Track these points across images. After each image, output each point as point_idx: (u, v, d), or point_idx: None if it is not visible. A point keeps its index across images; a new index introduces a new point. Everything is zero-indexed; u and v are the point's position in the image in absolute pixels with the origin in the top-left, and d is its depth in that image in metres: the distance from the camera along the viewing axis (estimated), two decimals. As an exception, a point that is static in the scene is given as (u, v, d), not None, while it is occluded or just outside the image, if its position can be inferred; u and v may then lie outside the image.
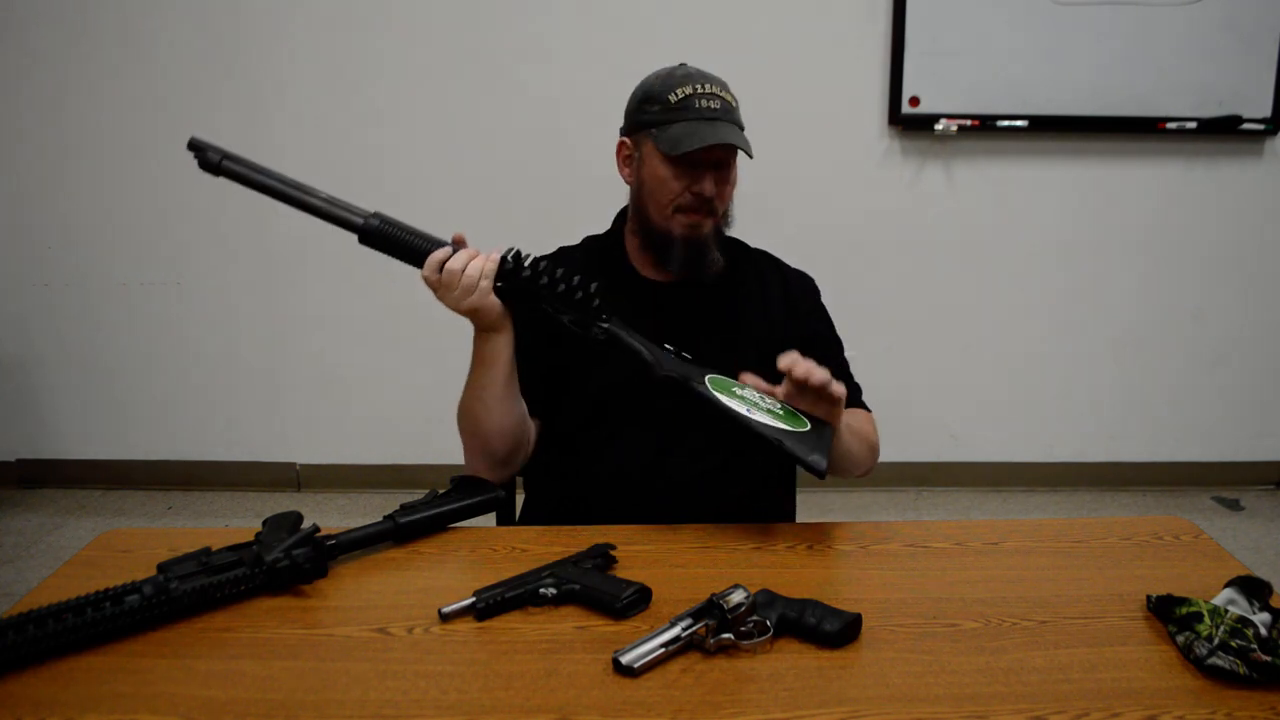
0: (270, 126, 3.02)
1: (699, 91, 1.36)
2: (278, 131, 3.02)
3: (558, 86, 2.98)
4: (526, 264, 1.30)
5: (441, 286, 1.27)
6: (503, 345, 1.33)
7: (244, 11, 2.96)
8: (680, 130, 1.34)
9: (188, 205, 3.10)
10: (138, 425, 3.30)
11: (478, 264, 1.27)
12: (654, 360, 1.31)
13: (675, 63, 1.44)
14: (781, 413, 1.28)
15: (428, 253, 1.28)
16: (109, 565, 1.17)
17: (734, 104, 1.39)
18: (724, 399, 1.27)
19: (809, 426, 1.27)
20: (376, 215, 1.29)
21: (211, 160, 1.25)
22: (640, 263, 1.48)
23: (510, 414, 1.38)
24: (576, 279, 1.31)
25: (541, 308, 1.32)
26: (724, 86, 1.40)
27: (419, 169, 3.06)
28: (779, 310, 1.49)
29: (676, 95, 1.36)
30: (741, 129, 1.40)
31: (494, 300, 1.29)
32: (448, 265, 1.27)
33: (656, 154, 1.37)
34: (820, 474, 1.24)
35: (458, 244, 1.30)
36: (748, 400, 1.28)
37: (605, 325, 1.32)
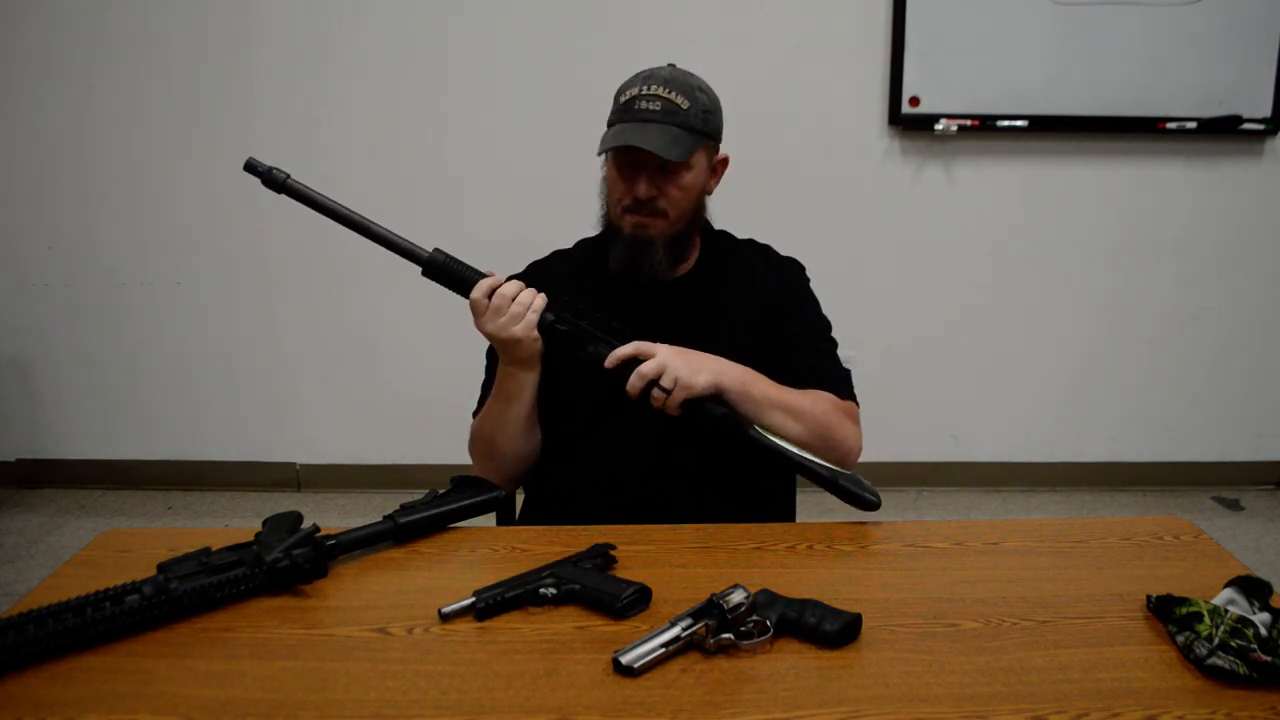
0: (270, 127, 3.02)
1: (642, 93, 1.36)
2: (276, 132, 3.02)
3: (555, 86, 2.98)
4: (573, 306, 1.35)
5: (490, 310, 1.31)
6: (532, 382, 1.37)
7: (248, 13, 2.96)
8: (613, 131, 1.36)
9: (187, 205, 3.10)
10: (138, 425, 3.30)
11: (529, 294, 1.32)
12: (710, 410, 1.32)
13: (665, 63, 1.43)
14: (821, 459, 1.34)
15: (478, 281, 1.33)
16: (109, 565, 1.17)
17: (682, 106, 1.35)
18: (773, 439, 1.32)
19: (849, 471, 1.35)
20: (439, 250, 1.34)
21: (278, 178, 1.30)
22: (611, 259, 1.47)
23: (529, 442, 1.42)
24: (629, 331, 1.34)
25: (597, 351, 1.33)
26: (684, 89, 1.36)
27: (416, 170, 3.06)
28: (764, 299, 1.49)
29: (625, 96, 1.38)
30: (699, 132, 1.36)
31: (536, 333, 1.32)
32: (500, 290, 1.31)
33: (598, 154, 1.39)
34: (875, 507, 1.31)
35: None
36: (791, 446, 1.34)
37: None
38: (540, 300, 1.32)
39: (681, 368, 1.29)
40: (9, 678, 0.93)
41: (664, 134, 1.33)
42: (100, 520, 3.10)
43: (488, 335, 1.33)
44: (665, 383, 1.28)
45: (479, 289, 1.31)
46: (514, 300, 1.30)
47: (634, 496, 1.40)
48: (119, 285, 3.18)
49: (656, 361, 1.29)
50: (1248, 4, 2.86)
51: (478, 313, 1.32)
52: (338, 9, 2.96)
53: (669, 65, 1.42)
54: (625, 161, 1.37)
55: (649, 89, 1.36)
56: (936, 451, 3.27)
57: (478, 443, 1.44)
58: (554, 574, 1.10)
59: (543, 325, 1.33)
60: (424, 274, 1.34)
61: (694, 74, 1.42)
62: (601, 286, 1.45)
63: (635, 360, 1.30)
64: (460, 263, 1.34)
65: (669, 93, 1.35)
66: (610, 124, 1.39)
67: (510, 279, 1.36)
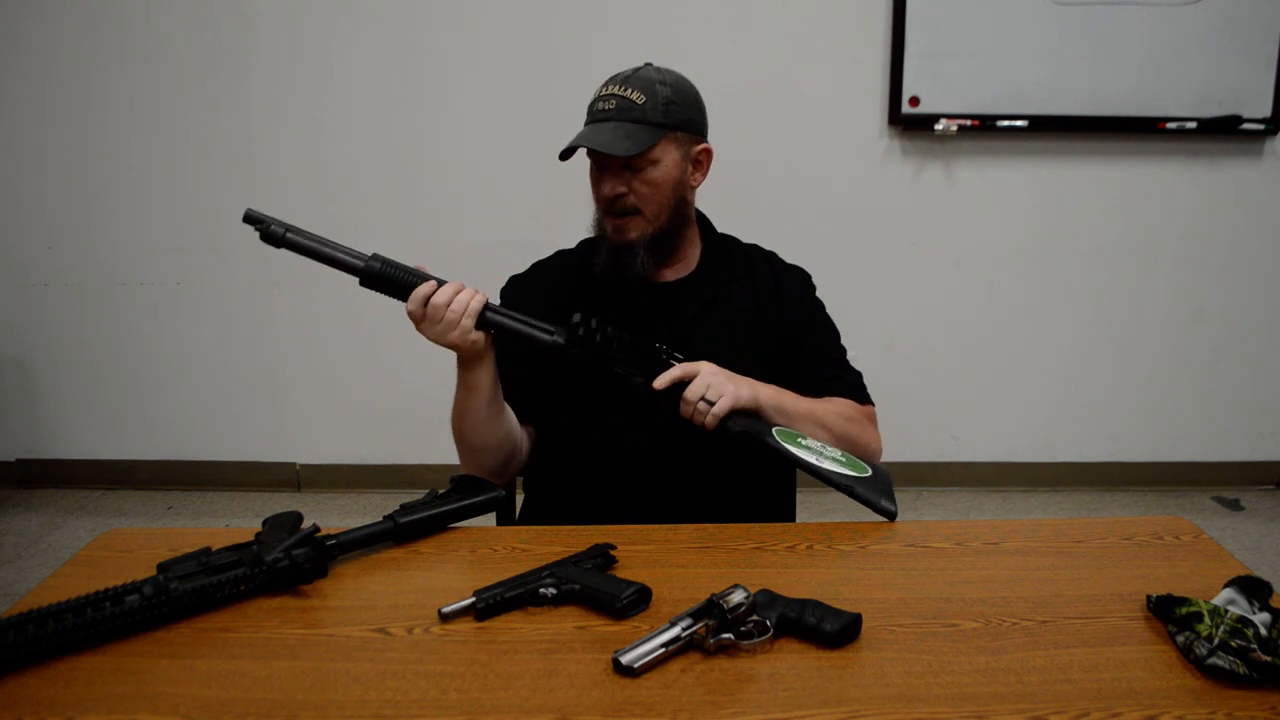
0: (269, 128, 3.02)
1: (600, 94, 1.38)
2: (273, 135, 3.02)
3: (554, 87, 2.97)
4: (595, 328, 1.33)
5: (425, 320, 1.28)
6: (484, 374, 1.35)
7: (247, 14, 2.96)
8: (577, 135, 1.37)
9: (187, 205, 3.10)
10: (138, 425, 3.30)
11: (463, 299, 1.28)
12: (728, 425, 1.31)
13: (643, 62, 1.44)
14: (844, 460, 1.33)
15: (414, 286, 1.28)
16: (109, 565, 1.17)
17: (638, 102, 1.35)
18: (792, 449, 1.31)
19: (870, 472, 1.33)
20: (376, 256, 1.30)
21: (275, 234, 1.26)
22: (595, 262, 1.47)
23: (495, 433, 1.40)
24: (643, 342, 1.34)
25: (613, 370, 1.33)
26: (643, 85, 1.36)
27: (416, 173, 3.06)
28: (770, 304, 1.49)
29: (593, 99, 1.39)
30: (658, 125, 1.35)
31: (475, 336, 1.30)
32: (432, 300, 1.27)
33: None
34: (891, 517, 1.30)
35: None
36: (813, 449, 1.33)
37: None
38: (476, 304, 1.29)
39: (725, 384, 1.30)
40: (9, 678, 0.93)
41: (616, 131, 1.34)
42: (100, 520, 3.10)
43: (430, 340, 1.31)
44: (710, 396, 1.29)
45: (413, 300, 1.28)
46: (448, 308, 1.27)
47: (634, 495, 1.40)
48: (119, 285, 3.18)
49: (701, 381, 1.30)
50: (1248, 4, 2.86)
51: (415, 321, 1.30)
52: (337, 11, 2.96)
53: (646, 64, 1.42)
54: (594, 165, 1.40)
55: (606, 90, 1.38)
56: (936, 451, 3.27)
57: (454, 435, 1.44)
58: (554, 574, 1.10)
59: (572, 357, 1.32)
60: (361, 284, 1.30)
61: (671, 71, 1.41)
62: (602, 288, 1.45)
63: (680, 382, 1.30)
64: (400, 269, 1.29)
65: (625, 90, 1.36)
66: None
67: (449, 283, 1.30)
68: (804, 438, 1.34)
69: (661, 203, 1.39)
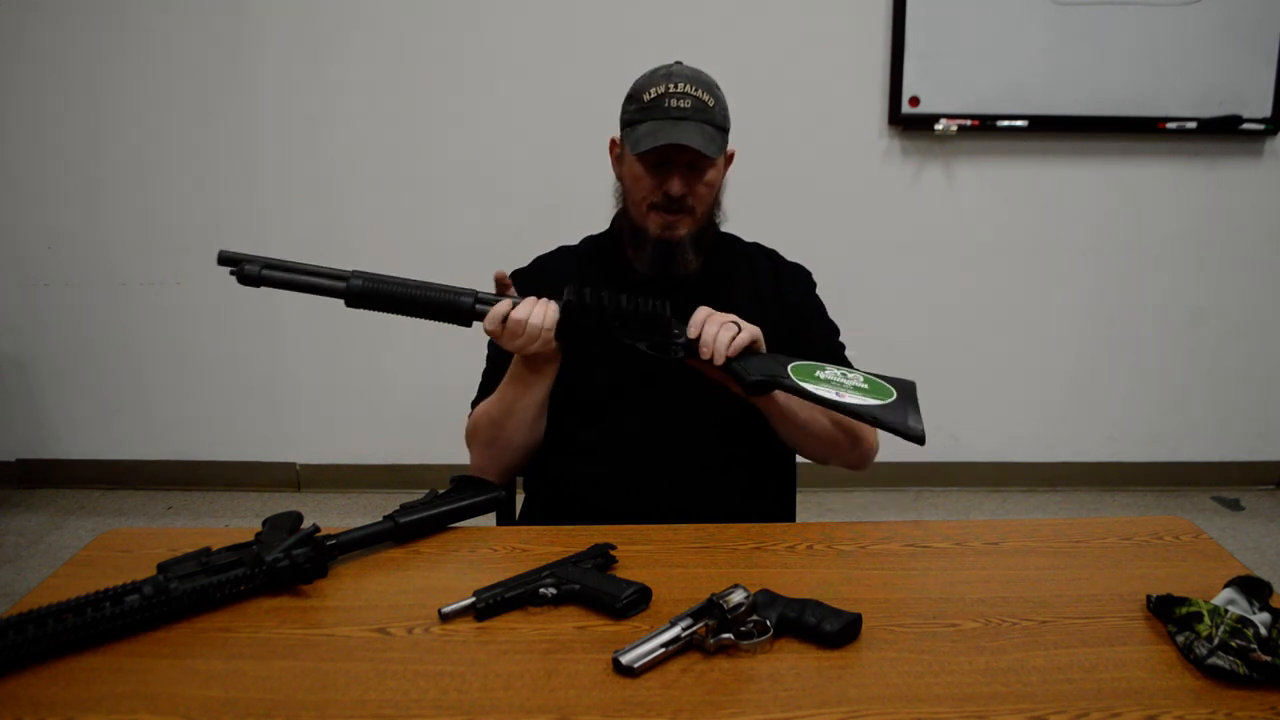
0: (272, 127, 3.02)
1: (670, 91, 1.36)
2: (275, 133, 3.02)
3: (555, 85, 2.98)
4: (590, 300, 1.29)
5: (506, 335, 1.29)
6: (548, 374, 1.36)
7: (250, 13, 2.96)
8: (646, 129, 1.35)
9: (187, 205, 3.10)
10: (138, 425, 3.30)
11: (540, 313, 1.29)
12: (741, 370, 1.28)
13: (673, 60, 1.44)
14: (866, 386, 1.31)
15: (470, 309, 1.29)
16: (109, 565, 1.17)
17: (709, 104, 1.36)
18: (810, 387, 1.28)
19: (895, 396, 1.31)
20: (358, 274, 1.29)
21: (251, 274, 1.26)
22: (637, 260, 1.48)
23: (536, 432, 1.42)
24: (651, 304, 1.30)
25: (619, 340, 1.31)
26: (706, 86, 1.38)
27: (417, 170, 3.06)
28: (772, 302, 1.50)
29: (650, 94, 1.37)
30: (722, 129, 1.38)
31: (553, 347, 1.31)
32: (512, 316, 1.28)
33: (630, 152, 1.38)
34: (920, 441, 1.30)
35: (499, 282, 1.31)
36: (833, 382, 1.30)
37: (681, 342, 1.30)
38: (552, 317, 1.29)
39: (741, 323, 1.29)
40: (9, 678, 0.93)
41: (701, 131, 1.34)
42: (100, 520, 3.10)
43: (509, 350, 1.33)
44: (724, 335, 1.27)
45: (491, 320, 1.28)
46: (528, 322, 1.28)
47: (634, 493, 1.40)
48: (119, 285, 3.18)
49: (715, 320, 1.28)
50: (1248, 4, 2.86)
51: (494, 337, 1.31)
52: (339, 11, 2.96)
53: (676, 62, 1.42)
54: (655, 159, 1.37)
55: (677, 87, 1.36)
56: (936, 451, 3.26)
57: (482, 430, 1.43)
58: (554, 574, 1.10)
59: (564, 337, 1.30)
60: (348, 305, 1.31)
61: (703, 71, 1.42)
62: (608, 282, 1.45)
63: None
64: (386, 282, 1.28)
65: (697, 90, 1.37)
66: (632, 122, 1.38)
67: (511, 298, 1.31)
68: (822, 369, 1.31)
69: (710, 203, 1.43)
